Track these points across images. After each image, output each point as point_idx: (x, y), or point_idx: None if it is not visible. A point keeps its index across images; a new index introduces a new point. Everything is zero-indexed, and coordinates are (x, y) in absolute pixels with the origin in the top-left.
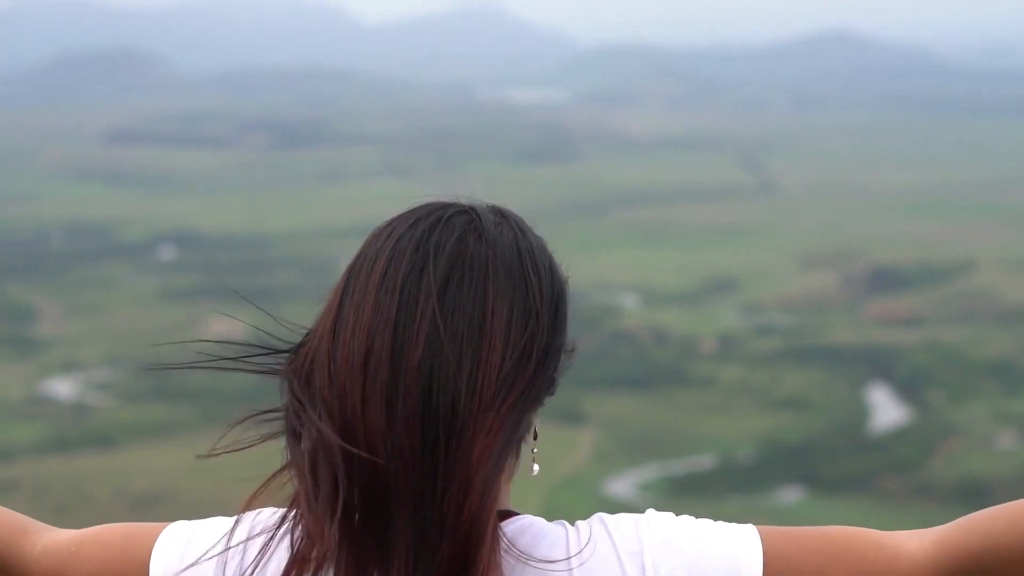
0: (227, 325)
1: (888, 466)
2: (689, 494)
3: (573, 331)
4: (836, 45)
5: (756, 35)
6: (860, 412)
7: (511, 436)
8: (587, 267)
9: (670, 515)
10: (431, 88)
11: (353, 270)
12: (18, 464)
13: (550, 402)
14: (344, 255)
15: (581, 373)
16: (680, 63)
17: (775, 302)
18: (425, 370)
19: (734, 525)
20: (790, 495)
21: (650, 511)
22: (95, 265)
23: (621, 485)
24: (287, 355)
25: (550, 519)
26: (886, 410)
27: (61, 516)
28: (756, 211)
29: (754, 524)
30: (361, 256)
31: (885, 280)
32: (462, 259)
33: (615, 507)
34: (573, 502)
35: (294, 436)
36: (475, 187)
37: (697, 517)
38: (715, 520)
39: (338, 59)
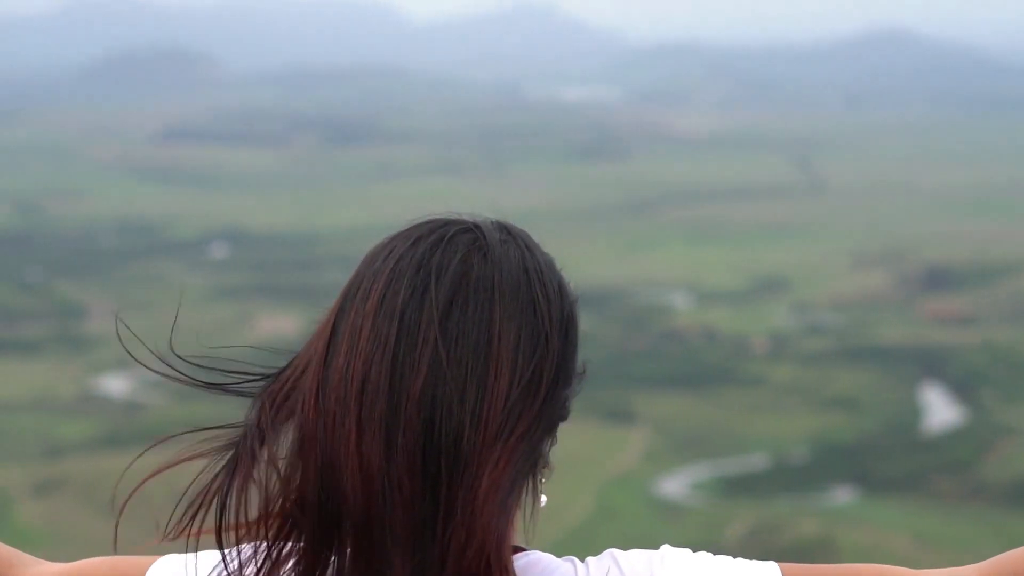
0: (276, 323)
1: (941, 466)
2: (741, 494)
3: (624, 330)
4: (888, 44)
5: (808, 34)
6: (913, 412)
7: (521, 469)
8: (638, 265)
9: (686, 551)
10: (482, 86)
11: (349, 293)
12: (70, 461)
13: (601, 401)
14: None
15: (631, 372)
16: (731, 62)
17: (827, 301)
18: (427, 400)
19: (755, 563)
20: (842, 495)
21: (665, 547)
22: (146, 262)
23: (672, 484)
24: (268, 379)
25: (602, 518)
26: (939, 410)
27: (113, 514)
28: (808, 210)
29: (776, 561)
30: (357, 278)
31: (938, 279)
32: (466, 281)
33: (667, 506)
34: (624, 501)
35: (245, 461)
36: (526, 185)
37: (736, 528)
38: (735, 557)
39: (389, 57)
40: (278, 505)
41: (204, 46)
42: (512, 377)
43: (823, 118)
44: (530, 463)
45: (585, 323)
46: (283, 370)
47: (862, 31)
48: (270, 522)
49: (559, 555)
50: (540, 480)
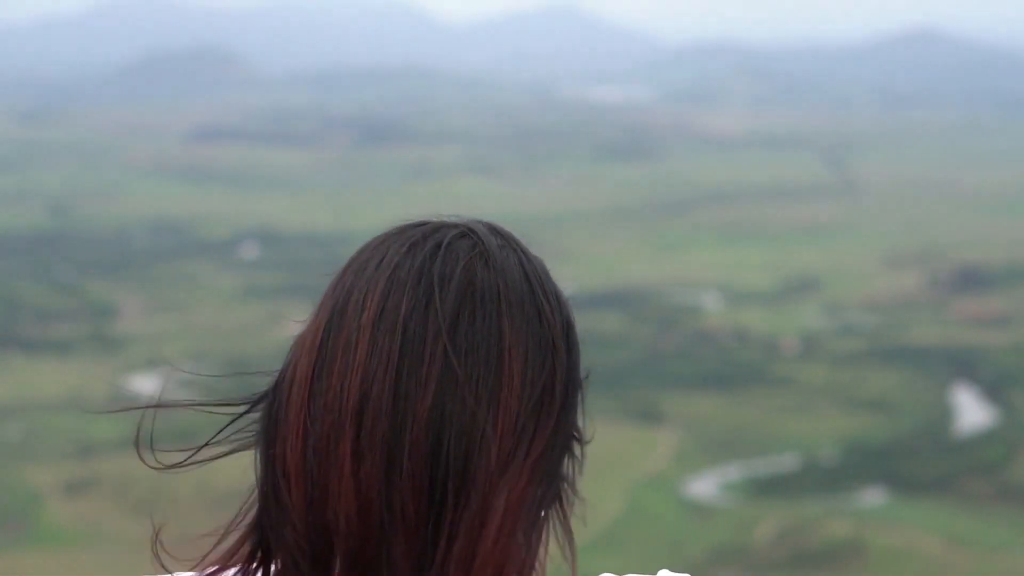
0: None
1: (972, 468)
2: (771, 495)
3: (655, 330)
4: (924, 43)
5: (843, 33)
6: (944, 413)
7: (542, 495)
8: (670, 266)
9: None
10: (515, 86)
11: (336, 305)
12: (101, 461)
13: (631, 401)
14: None
15: (662, 372)
16: (765, 61)
17: (859, 302)
18: (435, 419)
19: None
20: (873, 496)
21: (663, 572)
22: (178, 262)
23: (703, 485)
24: (256, 410)
25: (632, 518)
26: (971, 411)
27: (144, 513)
28: (841, 210)
29: (798, 569)
30: (345, 289)
31: (971, 280)
32: (471, 291)
33: (697, 507)
34: (654, 502)
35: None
36: (559, 185)
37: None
38: None
39: (422, 58)
40: (261, 535)
41: (237, 46)
42: (523, 391)
43: (857, 118)
44: (553, 489)
45: (616, 323)
46: (271, 400)
47: (897, 31)
48: (254, 552)
49: (583, 556)
50: (571, 512)
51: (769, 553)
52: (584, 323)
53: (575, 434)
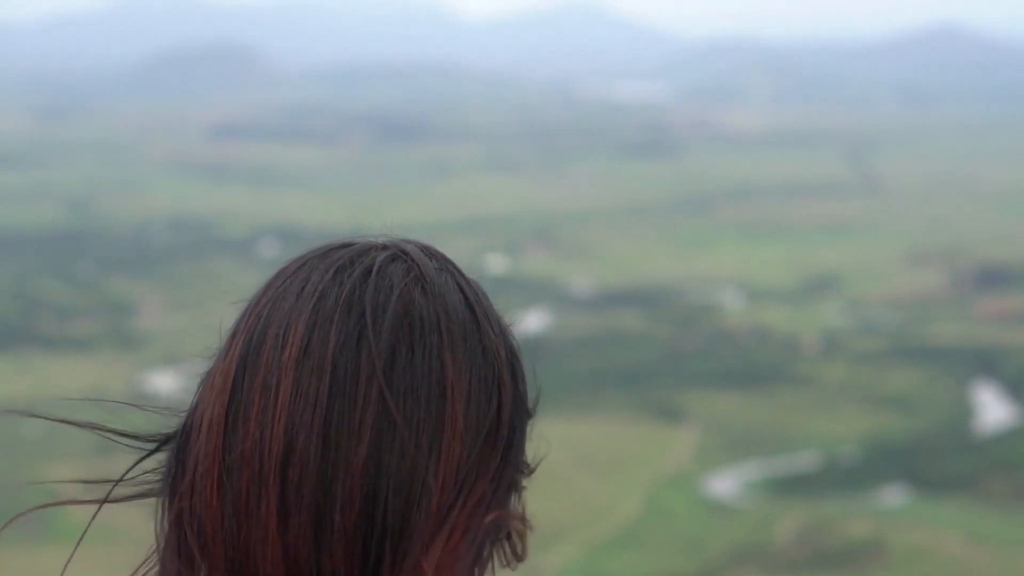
0: None
1: (994, 467)
2: (791, 493)
3: (676, 328)
4: (946, 41)
5: (864, 30)
6: (966, 411)
7: (480, 540)
8: (691, 263)
9: None
10: (535, 84)
11: (251, 340)
12: (120, 459)
13: (652, 400)
14: (451, 252)
15: (683, 371)
16: (786, 58)
17: (880, 300)
18: (370, 471)
19: None
20: (894, 495)
21: None
22: (197, 260)
23: (723, 484)
24: (166, 444)
25: (652, 517)
26: (992, 410)
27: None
28: (862, 208)
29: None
30: (261, 320)
31: (993, 278)
32: (408, 322)
33: (717, 505)
34: (674, 500)
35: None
36: (580, 182)
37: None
38: None
39: (442, 55)
40: None
41: (257, 43)
42: (467, 434)
43: (878, 115)
44: (494, 533)
45: (637, 321)
46: (177, 445)
47: (919, 28)
48: None
49: (603, 554)
50: (514, 545)
51: (789, 552)
52: (604, 321)
53: (521, 473)
